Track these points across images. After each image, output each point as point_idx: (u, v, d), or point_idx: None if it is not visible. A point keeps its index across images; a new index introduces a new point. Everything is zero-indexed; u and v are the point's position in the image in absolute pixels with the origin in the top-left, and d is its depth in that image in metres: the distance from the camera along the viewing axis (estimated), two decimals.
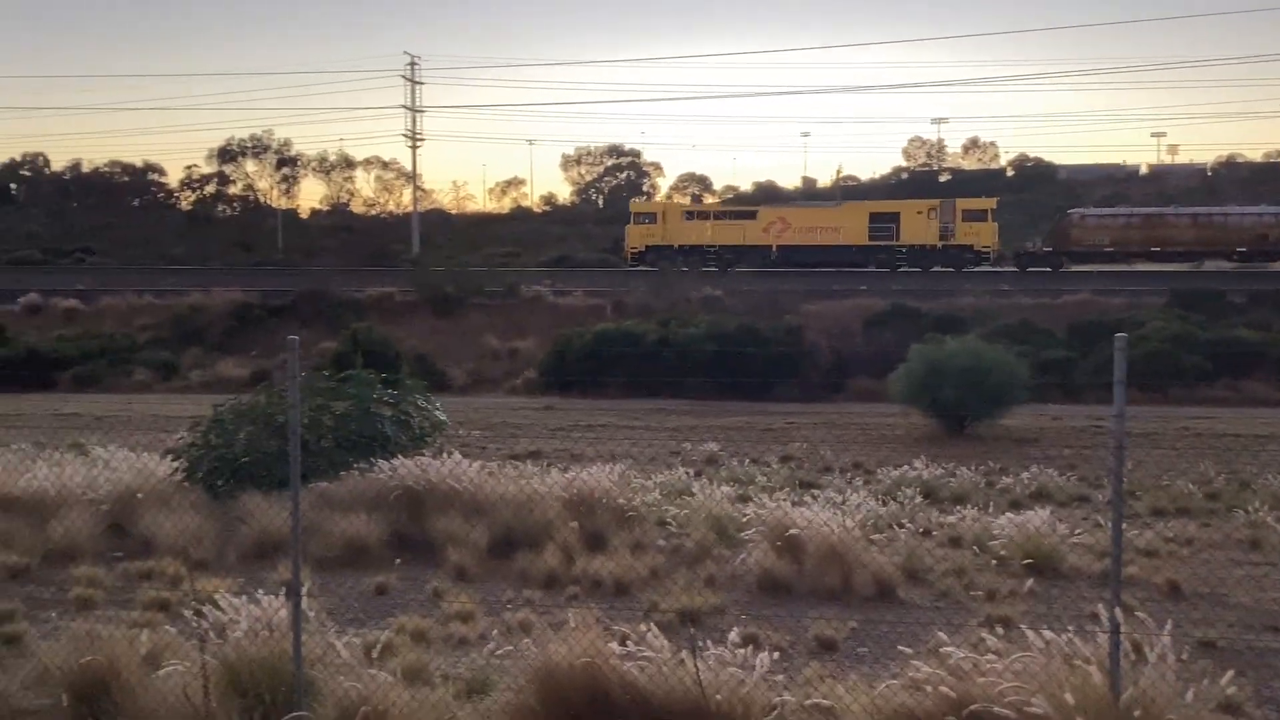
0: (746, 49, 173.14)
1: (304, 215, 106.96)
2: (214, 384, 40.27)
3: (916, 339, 29.88)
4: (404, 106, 79.54)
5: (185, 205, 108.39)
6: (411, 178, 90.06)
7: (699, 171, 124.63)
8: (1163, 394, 31.57)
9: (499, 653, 6.29)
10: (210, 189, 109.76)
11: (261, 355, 45.34)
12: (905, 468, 17.82)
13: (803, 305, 43.42)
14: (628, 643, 5.42)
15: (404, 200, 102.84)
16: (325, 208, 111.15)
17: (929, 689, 5.03)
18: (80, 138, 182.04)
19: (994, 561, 10.37)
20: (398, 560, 10.21)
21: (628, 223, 57.60)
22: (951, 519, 12.62)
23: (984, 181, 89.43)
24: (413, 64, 79.31)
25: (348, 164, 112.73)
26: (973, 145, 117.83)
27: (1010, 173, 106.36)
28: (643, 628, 5.61)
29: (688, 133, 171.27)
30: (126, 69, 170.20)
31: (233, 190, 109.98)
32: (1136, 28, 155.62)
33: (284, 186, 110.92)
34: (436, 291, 49.39)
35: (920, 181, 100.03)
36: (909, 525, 11.97)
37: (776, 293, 44.77)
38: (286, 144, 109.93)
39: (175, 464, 13.68)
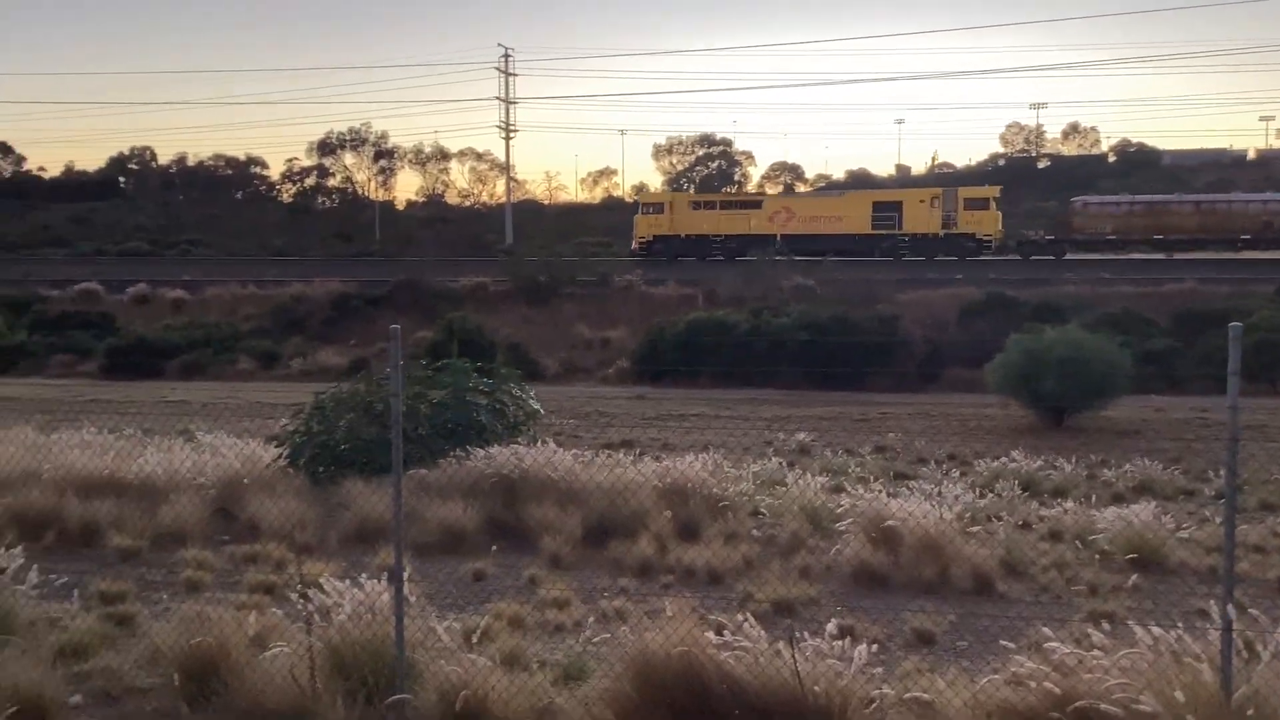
0: (841, 35, 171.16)
1: (400, 206, 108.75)
2: (314, 372, 41.16)
3: (1014, 328, 29.29)
4: (498, 98, 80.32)
5: (286, 197, 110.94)
6: (505, 169, 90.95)
7: (791, 160, 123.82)
8: (1271, 385, 30.56)
9: (595, 640, 6.33)
10: (310, 181, 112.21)
11: (359, 344, 46.25)
12: (1003, 460, 17.52)
13: (897, 294, 42.90)
14: (724, 632, 5.41)
15: (497, 191, 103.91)
16: (421, 199, 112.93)
17: (1032, 684, 4.94)
18: (186, 132, 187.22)
19: (1096, 556, 10.15)
20: (494, 547, 10.32)
21: (635, 213, 58.35)
22: (1052, 512, 12.38)
23: (1084, 167, 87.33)
24: (506, 56, 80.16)
25: (443, 156, 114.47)
26: (1073, 130, 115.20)
27: (1112, 158, 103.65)
28: (739, 618, 5.60)
29: (780, 121, 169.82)
30: (230, 64, 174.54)
31: (332, 182, 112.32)
32: (1245, 9, 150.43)
33: (381, 178, 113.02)
34: (529, 281, 49.81)
35: (1018, 168, 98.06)
36: (1008, 518, 11.77)
37: (870, 282, 44.28)
38: (384, 137, 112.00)
39: (279, 450, 14.00)
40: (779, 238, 53.66)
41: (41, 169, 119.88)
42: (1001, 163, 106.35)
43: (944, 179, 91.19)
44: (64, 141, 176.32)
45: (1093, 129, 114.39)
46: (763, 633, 5.34)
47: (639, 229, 56.99)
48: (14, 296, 52.48)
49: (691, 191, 65.21)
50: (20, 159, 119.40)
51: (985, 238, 51.47)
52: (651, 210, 57.47)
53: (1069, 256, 51.03)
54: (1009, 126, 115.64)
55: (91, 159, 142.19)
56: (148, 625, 7.71)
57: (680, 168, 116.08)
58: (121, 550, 10.50)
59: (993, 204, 52.60)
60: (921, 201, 53.28)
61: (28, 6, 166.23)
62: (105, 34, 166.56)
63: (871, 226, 53.05)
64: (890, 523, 9.88)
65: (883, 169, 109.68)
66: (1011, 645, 5.76)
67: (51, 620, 7.41)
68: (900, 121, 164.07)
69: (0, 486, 11.74)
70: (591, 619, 7.28)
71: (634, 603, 8.51)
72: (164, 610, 8.15)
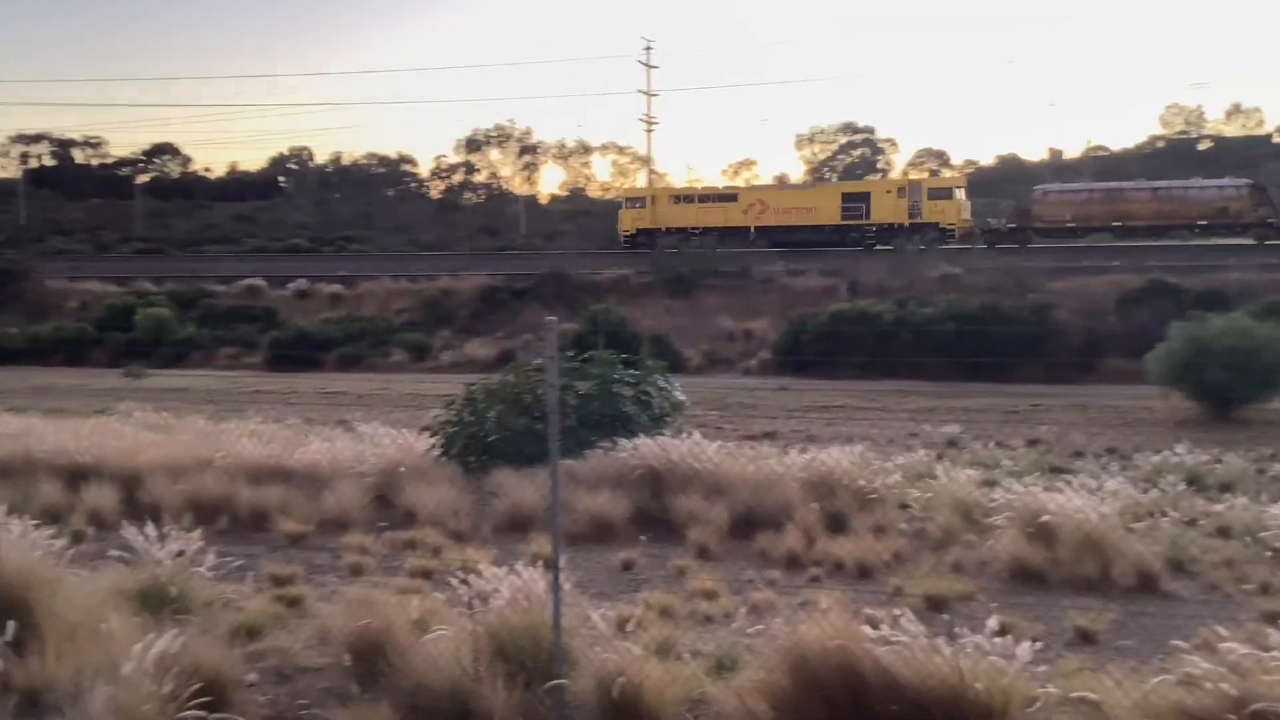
0: (988, 17, 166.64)
1: (544, 201, 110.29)
2: (463, 364, 42.18)
3: (1176, 317, 28.19)
4: (639, 91, 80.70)
5: (435, 194, 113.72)
6: (646, 161, 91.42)
7: (936, 146, 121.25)
8: None
9: (748, 631, 6.35)
10: (458, 177, 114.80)
11: (506, 336, 47.19)
12: (1166, 453, 16.91)
13: (1049, 282, 41.68)
14: (880, 627, 5.37)
15: (639, 183, 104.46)
16: (564, 193, 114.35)
17: (1207, 685, 4.77)
18: (341, 132, 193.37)
19: (1268, 553, 9.71)
20: (642, 537, 10.42)
21: (620, 207, 60.55)
22: (1219, 508, 11.88)
23: (1247, 149, 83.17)
24: (648, 48, 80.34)
25: (585, 149, 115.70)
26: (1235, 110, 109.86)
27: (1277, 139, 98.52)
28: (896, 612, 5.55)
29: (926, 107, 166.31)
30: (381, 65, 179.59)
31: (478, 178, 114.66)
32: None
33: (525, 173, 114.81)
34: (672, 273, 50.00)
35: (1178, 151, 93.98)
36: (1172, 513, 11.34)
37: (1020, 270, 43.12)
38: (528, 132, 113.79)
39: (432, 440, 14.40)
40: (753, 229, 55.68)
41: (207, 170, 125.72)
42: (1160, 145, 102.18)
43: (1100, 163, 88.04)
44: (228, 143, 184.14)
45: (1256, 109, 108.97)
46: (920, 628, 5.28)
47: (623, 223, 59.21)
48: (183, 292, 55.15)
49: (672, 188, 67.05)
50: (187, 160, 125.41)
51: (949, 226, 52.22)
52: (635, 205, 59.50)
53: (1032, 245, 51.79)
54: (1168, 107, 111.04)
55: (254, 160, 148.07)
56: (316, 607, 8.04)
57: (822, 156, 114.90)
58: (289, 535, 10.95)
59: (957, 194, 53.69)
60: (888, 192, 54.55)
61: (192, 14, 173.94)
62: (266, 39, 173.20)
63: (841, 217, 54.36)
64: (1047, 518, 9.63)
65: (1034, 154, 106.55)
66: (1184, 645, 5.57)
67: (227, 601, 7.79)
68: (1053, 105, 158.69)
69: (178, 473, 12.36)
70: (742, 610, 7.30)
71: (782, 595, 8.50)
72: (330, 593, 8.48)
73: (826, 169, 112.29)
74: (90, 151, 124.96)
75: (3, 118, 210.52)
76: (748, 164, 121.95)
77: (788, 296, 46.97)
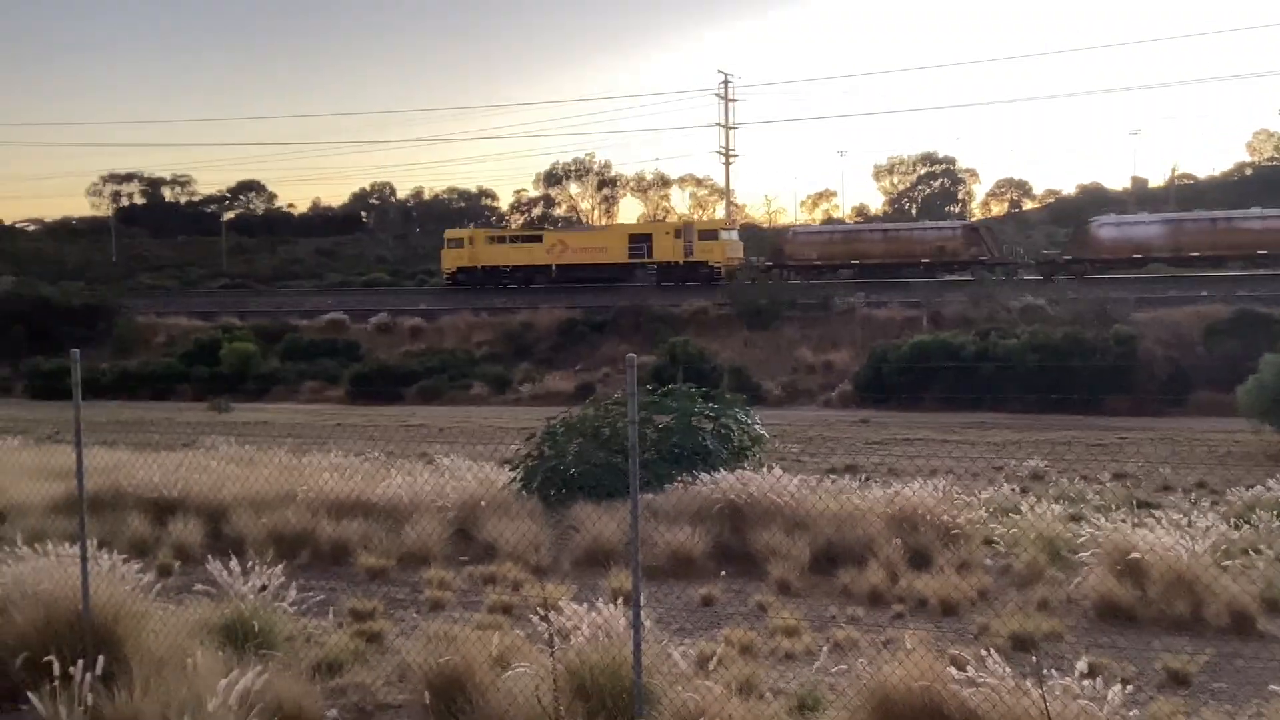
0: (1069, 47, 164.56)
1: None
2: (542, 396, 42.38)
3: (1268, 348, 27.35)
4: (717, 124, 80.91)
5: (515, 228, 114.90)
6: (724, 193, 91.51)
7: (1018, 177, 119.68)
8: None
9: (831, 670, 6.25)
10: (537, 211, 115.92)
11: (585, 369, 47.37)
12: (1259, 488, 16.32)
13: (1134, 313, 40.80)
14: (966, 668, 5.24)
15: (717, 216, 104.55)
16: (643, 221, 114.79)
17: None
18: (421, 168, 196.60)
19: None
20: (722, 572, 10.34)
21: (442, 247, 64.87)
22: None
23: None
24: (726, 81, 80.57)
25: (663, 182, 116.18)
26: None
27: None
28: (982, 652, 5.42)
29: (1006, 137, 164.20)
30: (462, 101, 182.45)
31: (558, 211, 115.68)
32: None
33: (604, 206, 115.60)
34: (750, 305, 49.87)
35: (1265, 177, 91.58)
36: (1267, 551, 10.95)
37: (1104, 301, 42.28)
38: (606, 166, 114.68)
39: (512, 474, 14.46)
40: (554, 267, 60.22)
41: (291, 206, 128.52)
42: (1249, 172, 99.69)
43: (1185, 191, 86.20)
44: (311, 179, 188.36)
45: None
46: (1007, 669, 5.14)
47: (445, 262, 63.76)
48: (268, 326, 56.25)
49: (489, 230, 72.68)
50: (272, 197, 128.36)
51: (716, 264, 56.90)
52: (455, 245, 63.35)
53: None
54: (1256, 134, 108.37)
55: (336, 195, 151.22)
56: (396, 642, 8.09)
57: (901, 187, 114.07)
58: (370, 569, 11.03)
59: (723, 235, 58.85)
60: (666, 234, 59.93)
61: (278, 56, 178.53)
62: (347, 78, 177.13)
63: (628, 256, 59.01)
64: (1136, 555, 9.37)
65: (1117, 182, 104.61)
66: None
67: (308, 636, 7.86)
68: (1136, 133, 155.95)
69: (260, 507, 12.54)
70: (824, 648, 7.19)
71: (865, 633, 8.36)
72: (410, 628, 8.52)
73: (906, 200, 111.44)
74: (179, 189, 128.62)
75: (96, 158, 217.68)
76: (826, 195, 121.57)
77: (868, 328, 46.55)
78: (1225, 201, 64.76)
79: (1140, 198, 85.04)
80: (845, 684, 5.97)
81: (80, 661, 5.93)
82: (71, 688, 5.79)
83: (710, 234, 58.77)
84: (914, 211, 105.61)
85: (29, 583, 7.12)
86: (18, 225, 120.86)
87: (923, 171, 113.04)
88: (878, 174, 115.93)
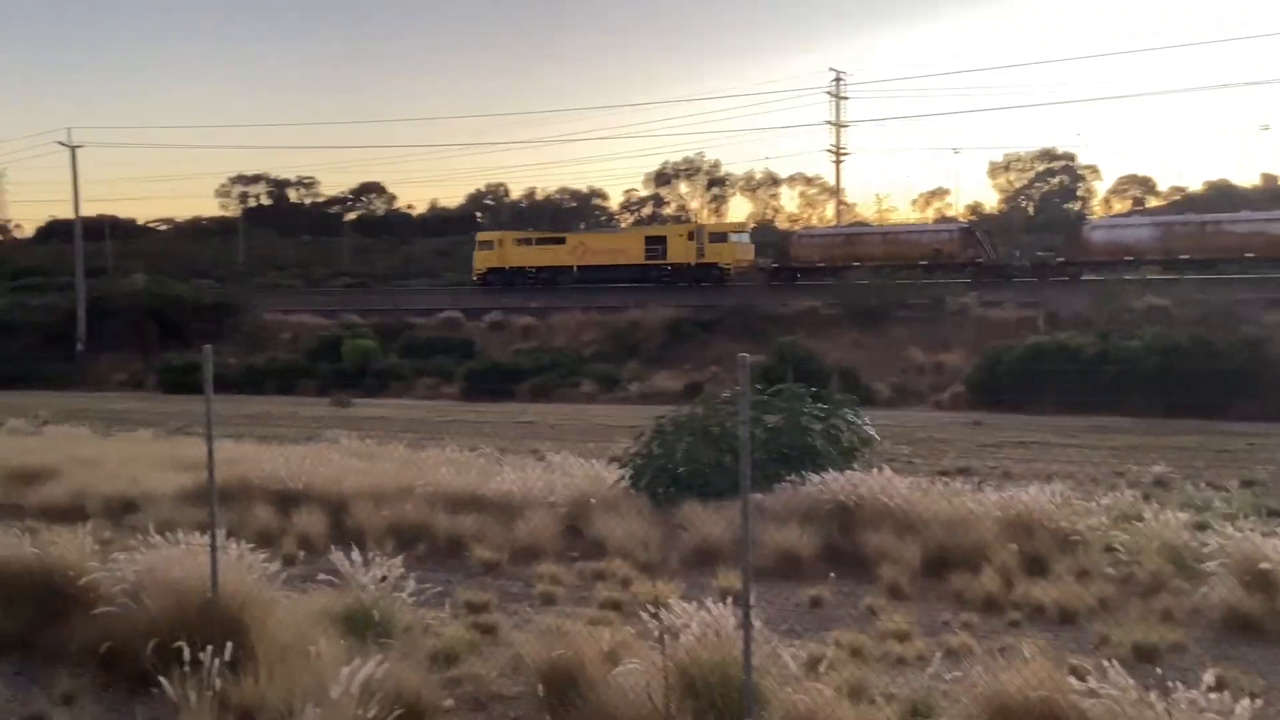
0: (1196, 39, 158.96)
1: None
2: (650, 395, 42.52)
3: None
4: (828, 122, 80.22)
5: (624, 227, 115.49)
6: (834, 192, 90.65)
7: (1141, 173, 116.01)
8: None
9: (947, 677, 6.17)
10: (646, 210, 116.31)
11: (694, 368, 47.38)
12: None
13: (1264, 314, 39.28)
14: (1087, 678, 5.12)
15: (827, 215, 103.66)
16: (751, 225, 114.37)
17: None
18: (534, 168, 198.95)
19: None
20: (831, 574, 10.27)
21: (473, 249, 67.49)
22: None
23: None
24: (838, 79, 79.82)
25: (773, 181, 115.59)
26: None
27: None
28: (1104, 663, 5.29)
29: (1129, 133, 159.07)
30: (574, 103, 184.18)
31: (666, 211, 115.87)
32: None
33: (713, 205, 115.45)
34: (860, 305, 49.33)
35: None
36: None
37: (1232, 302, 40.78)
38: (716, 165, 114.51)
39: (621, 471, 14.56)
40: (576, 268, 62.26)
41: (410, 206, 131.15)
42: None
43: None
44: (429, 181, 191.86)
45: None
46: (1130, 680, 5.01)
47: (477, 263, 65.84)
48: (387, 324, 57.51)
49: (517, 232, 72.35)
50: (391, 198, 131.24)
51: (725, 265, 58.63)
52: (486, 247, 66.11)
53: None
54: None
55: (453, 196, 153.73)
56: (509, 635, 8.23)
57: (1018, 185, 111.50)
58: (484, 562, 11.23)
59: (732, 238, 60.55)
60: (681, 236, 61.57)
61: (399, 60, 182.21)
62: (465, 80, 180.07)
63: (645, 257, 60.57)
64: (1265, 565, 9.04)
65: (1246, 179, 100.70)
66: None
67: (425, 626, 8.04)
68: (1266, 128, 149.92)
69: (380, 499, 12.86)
70: (939, 654, 7.09)
71: (980, 639, 8.22)
72: (523, 621, 8.66)
73: (1023, 197, 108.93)
74: (303, 191, 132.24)
75: (224, 160, 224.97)
76: (939, 194, 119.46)
77: (982, 328, 45.68)
78: None
79: (1272, 195, 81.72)
80: (960, 691, 5.89)
81: (210, 648, 6.15)
82: (200, 673, 6.01)
83: (720, 236, 60.63)
84: (1031, 210, 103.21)
85: (160, 570, 7.41)
86: (150, 225, 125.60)
87: (1041, 168, 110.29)
88: (993, 171, 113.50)
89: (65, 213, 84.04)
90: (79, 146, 65.39)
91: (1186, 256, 50.18)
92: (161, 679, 6.01)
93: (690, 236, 60.78)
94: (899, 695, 6.27)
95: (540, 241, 66.34)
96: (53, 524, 10.94)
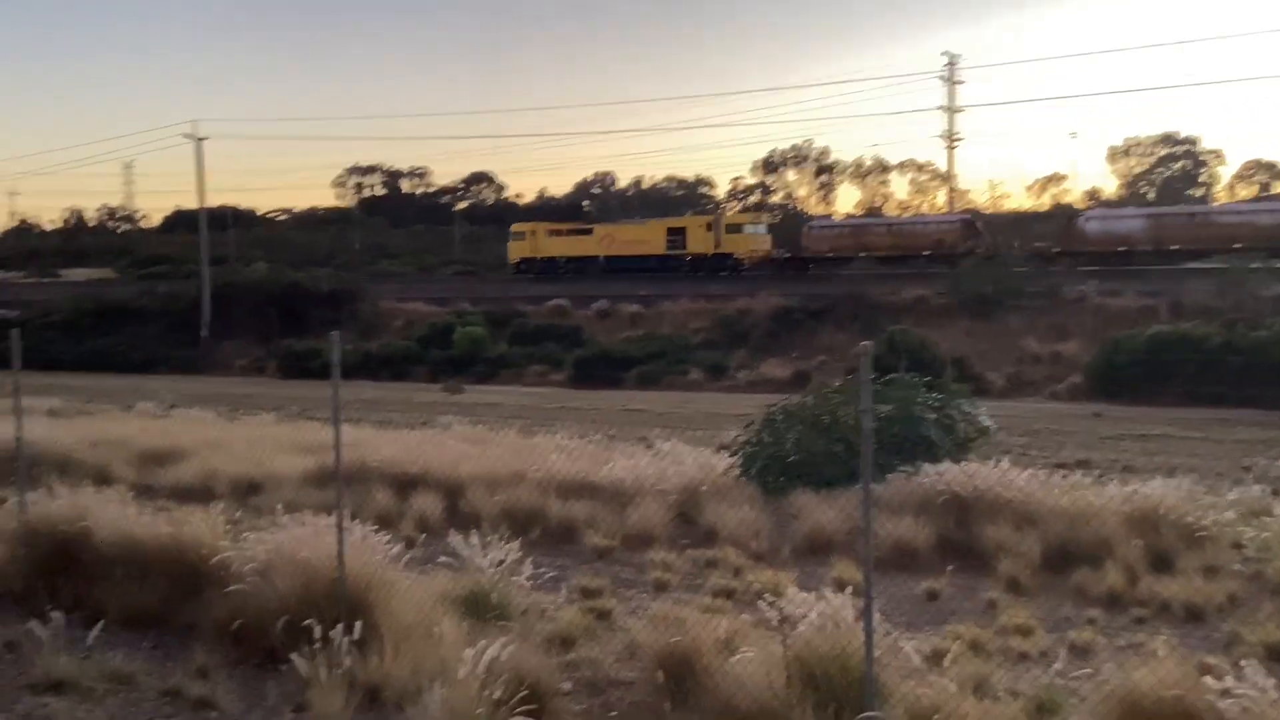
0: None
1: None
2: (758, 384, 42.34)
3: None
4: (941, 107, 78.78)
5: (731, 215, 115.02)
6: (946, 178, 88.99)
7: (1268, 158, 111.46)
8: None
9: (1072, 674, 6.03)
10: (754, 198, 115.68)
11: (802, 357, 47.04)
12: None
13: None
14: (1225, 677, 4.96)
15: (938, 202, 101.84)
16: (860, 212, 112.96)
17: None
18: (642, 157, 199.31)
19: None
20: (949, 567, 10.13)
21: (508, 240, 70.85)
22: None
23: None
24: (951, 64, 78.31)
25: (883, 168, 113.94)
26: None
27: None
28: (1243, 663, 5.12)
29: (1257, 116, 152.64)
30: (680, 91, 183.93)
31: (774, 199, 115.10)
32: None
33: (822, 193, 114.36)
34: (973, 293, 48.39)
35: None
36: None
37: None
38: (824, 152, 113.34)
39: (731, 460, 14.55)
40: (603, 258, 64.93)
41: (518, 196, 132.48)
42: None
43: None
44: (538, 170, 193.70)
45: None
46: (1270, 680, 4.84)
47: (511, 254, 69.53)
48: (497, 312, 58.26)
49: (549, 224, 74.76)
50: (501, 188, 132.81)
51: (740, 256, 60.94)
52: (519, 238, 69.41)
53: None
54: None
55: (561, 185, 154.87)
56: (624, 621, 8.29)
57: (1138, 170, 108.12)
58: (596, 548, 11.32)
59: (747, 229, 63.04)
60: (700, 227, 64.02)
61: (510, 51, 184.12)
62: (573, 71, 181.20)
63: (666, 248, 63.19)
64: None
65: None
66: None
67: (542, 610, 8.14)
68: None
69: (494, 484, 13.05)
70: (1064, 651, 6.95)
71: (1104, 636, 8.03)
72: (636, 608, 8.72)
73: (1143, 183, 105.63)
74: (416, 181, 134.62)
75: (341, 151, 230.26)
76: (1056, 179, 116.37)
77: (1101, 317, 44.47)
78: None
79: None
80: (1087, 689, 5.76)
81: (340, 625, 6.33)
82: (329, 650, 6.18)
83: (736, 228, 63.36)
84: (1151, 196, 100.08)
85: (288, 549, 7.62)
86: (270, 215, 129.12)
87: (1162, 153, 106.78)
88: (1112, 156, 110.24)
89: (190, 203, 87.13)
90: (204, 139, 67.38)
91: (1178, 247, 51.64)
92: (292, 655, 6.19)
93: (709, 228, 63.23)
94: (1023, 691, 6.15)
95: (570, 233, 69.66)
96: (183, 504, 11.34)
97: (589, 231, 68.67)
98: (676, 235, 63.36)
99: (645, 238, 64.78)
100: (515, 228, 72.32)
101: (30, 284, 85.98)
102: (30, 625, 7.05)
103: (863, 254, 58.42)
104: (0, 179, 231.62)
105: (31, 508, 9.19)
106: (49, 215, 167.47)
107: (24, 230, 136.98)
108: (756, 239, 62.25)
